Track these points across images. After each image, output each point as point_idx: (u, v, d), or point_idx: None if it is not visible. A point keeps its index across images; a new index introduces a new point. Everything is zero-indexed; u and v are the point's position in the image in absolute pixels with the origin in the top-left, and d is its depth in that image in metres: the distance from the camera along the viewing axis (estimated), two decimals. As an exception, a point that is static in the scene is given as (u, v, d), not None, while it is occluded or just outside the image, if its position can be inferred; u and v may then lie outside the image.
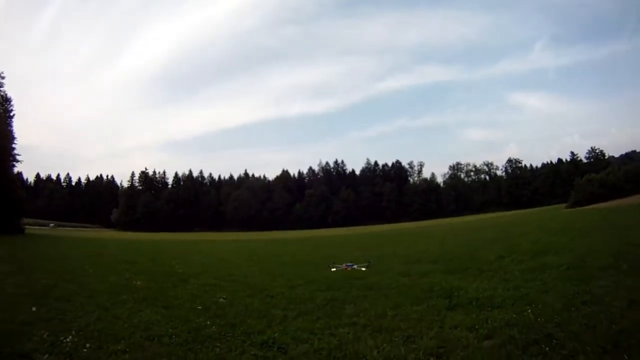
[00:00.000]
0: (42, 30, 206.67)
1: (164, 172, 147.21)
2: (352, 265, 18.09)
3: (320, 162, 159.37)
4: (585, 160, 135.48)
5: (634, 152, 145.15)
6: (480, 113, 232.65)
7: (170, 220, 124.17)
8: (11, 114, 45.11)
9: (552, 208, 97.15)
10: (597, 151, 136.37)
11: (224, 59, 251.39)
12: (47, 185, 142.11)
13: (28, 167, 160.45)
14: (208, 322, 7.76)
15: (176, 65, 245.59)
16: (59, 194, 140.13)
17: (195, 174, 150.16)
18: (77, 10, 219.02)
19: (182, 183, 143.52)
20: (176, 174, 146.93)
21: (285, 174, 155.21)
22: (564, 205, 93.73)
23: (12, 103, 45.40)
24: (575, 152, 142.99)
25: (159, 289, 11.32)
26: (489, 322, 6.96)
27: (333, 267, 16.87)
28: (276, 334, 7.03)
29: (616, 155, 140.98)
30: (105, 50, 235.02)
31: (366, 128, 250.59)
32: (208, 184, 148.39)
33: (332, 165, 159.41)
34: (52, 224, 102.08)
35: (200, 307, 9.12)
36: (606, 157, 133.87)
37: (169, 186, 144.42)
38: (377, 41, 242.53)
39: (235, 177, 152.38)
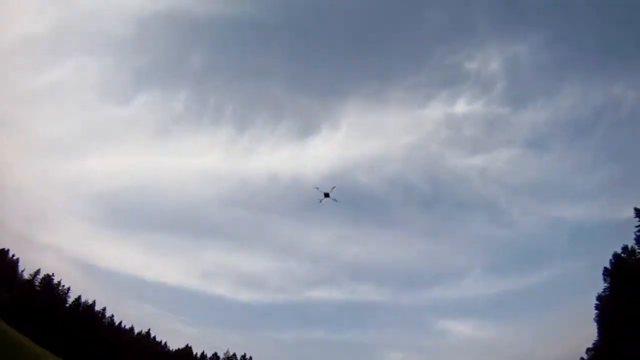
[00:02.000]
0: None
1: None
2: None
3: (227, 352, 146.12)
4: None
5: None
6: (405, 336, 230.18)
7: None
8: None
9: None
10: None
11: (170, 215, 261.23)
12: None
13: None
14: None
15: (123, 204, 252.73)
16: None
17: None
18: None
19: (81, 308, 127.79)
20: (79, 297, 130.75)
21: (188, 349, 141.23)
22: None
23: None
24: None
25: None
26: None
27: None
28: None
29: None
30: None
31: (285, 331, 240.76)
32: (107, 324, 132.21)
33: (239, 358, 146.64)
34: None
35: None
36: None
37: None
38: (317, 249, 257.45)
39: (136, 331, 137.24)
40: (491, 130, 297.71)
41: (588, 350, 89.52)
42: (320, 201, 32.20)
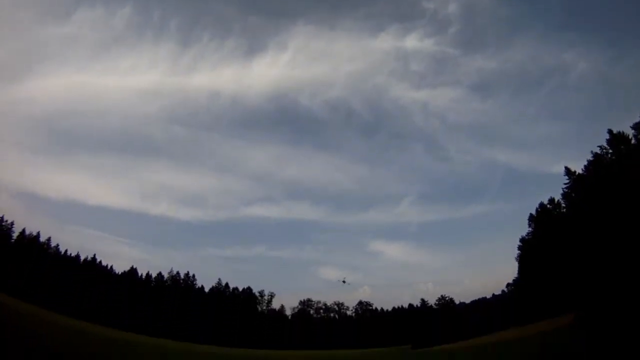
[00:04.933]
0: None
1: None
2: None
3: (171, 271, 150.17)
4: (435, 307, 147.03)
5: (484, 298, 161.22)
6: (338, 254, 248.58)
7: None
8: None
9: (399, 348, 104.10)
10: (447, 298, 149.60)
11: (109, 136, 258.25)
12: None
13: None
14: None
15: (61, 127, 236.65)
16: None
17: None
18: None
19: (26, 242, 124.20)
20: (23, 230, 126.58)
21: (133, 271, 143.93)
22: (410, 346, 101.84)
23: None
24: (426, 299, 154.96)
25: None
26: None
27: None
28: None
29: (467, 302, 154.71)
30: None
31: (225, 247, 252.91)
32: (53, 254, 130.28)
33: (182, 276, 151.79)
34: None
35: None
36: (457, 304, 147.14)
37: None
38: (257, 168, 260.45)
39: (82, 258, 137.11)
40: (439, 68, 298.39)
41: (508, 285, 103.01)
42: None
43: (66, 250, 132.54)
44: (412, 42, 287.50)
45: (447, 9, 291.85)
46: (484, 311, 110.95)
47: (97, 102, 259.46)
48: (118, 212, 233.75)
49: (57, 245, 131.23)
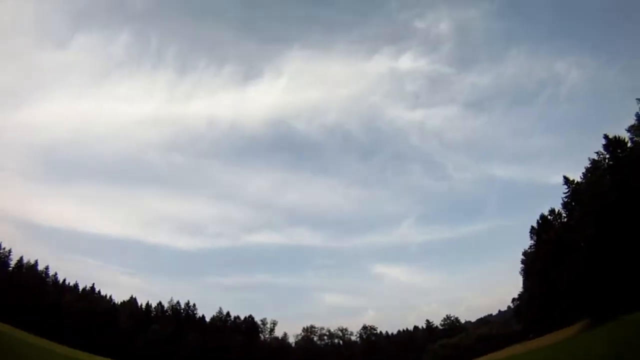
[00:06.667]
0: None
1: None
2: None
3: (171, 300, 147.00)
4: (440, 327, 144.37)
5: (489, 315, 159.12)
6: (341, 279, 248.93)
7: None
8: None
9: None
10: (452, 318, 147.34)
11: (108, 164, 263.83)
12: None
13: None
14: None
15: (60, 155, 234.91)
16: None
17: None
18: None
19: (24, 270, 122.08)
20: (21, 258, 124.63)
21: (132, 301, 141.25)
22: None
23: None
24: (431, 320, 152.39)
25: None
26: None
27: None
28: None
29: (473, 320, 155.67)
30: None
31: (226, 276, 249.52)
32: (51, 283, 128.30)
33: (182, 305, 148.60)
34: None
35: None
36: (462, 323, 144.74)
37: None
38: (256, 194, 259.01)
39: (81, 287, 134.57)
40: (433, 87, 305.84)
41: (514, 300, 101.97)
42: None
43: (64, 280, 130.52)
44: (405, 62, 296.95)
45: (438, 28, 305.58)
46: (490, 328, 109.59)
47: (95, 130, 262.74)
48: (117, 241, 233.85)
49: (56, 273, 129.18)
